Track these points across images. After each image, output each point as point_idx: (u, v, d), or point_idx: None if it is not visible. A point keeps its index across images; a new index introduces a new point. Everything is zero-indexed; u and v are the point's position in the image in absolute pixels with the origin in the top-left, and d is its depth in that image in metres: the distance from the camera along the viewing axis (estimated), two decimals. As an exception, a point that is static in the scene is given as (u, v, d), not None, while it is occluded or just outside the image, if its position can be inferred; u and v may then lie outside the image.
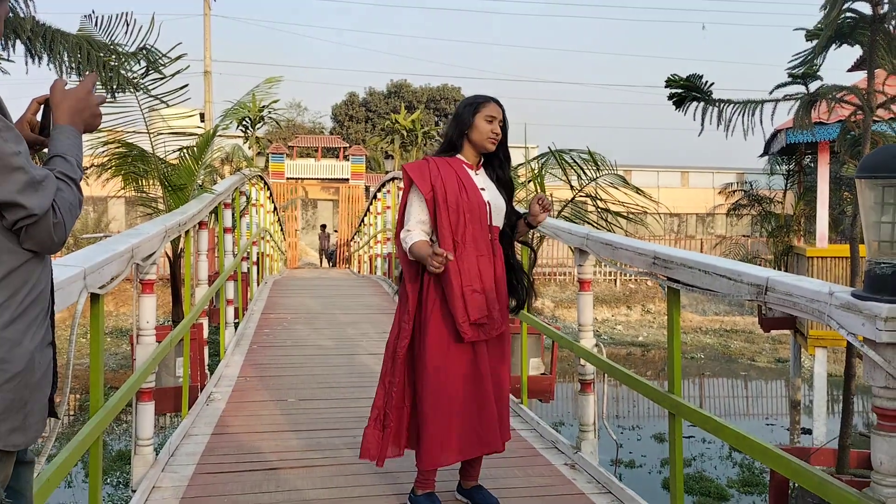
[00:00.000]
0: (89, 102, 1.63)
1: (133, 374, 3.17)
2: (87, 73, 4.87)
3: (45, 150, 1.64)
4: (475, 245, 2.87)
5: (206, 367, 5.41)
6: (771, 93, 4.20)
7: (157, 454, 3.57)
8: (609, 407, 12.75)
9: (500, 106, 2.99)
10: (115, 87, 4.97)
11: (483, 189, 2.97)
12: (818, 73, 3.99)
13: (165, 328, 4.73)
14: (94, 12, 5.06)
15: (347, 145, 33.06)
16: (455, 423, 2.87)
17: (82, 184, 1.62)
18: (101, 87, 4.90)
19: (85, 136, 1.68)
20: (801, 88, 4.15)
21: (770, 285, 2.21)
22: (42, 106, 1.67)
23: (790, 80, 4.08)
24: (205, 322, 5.45)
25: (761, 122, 4.23)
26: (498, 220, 2.98)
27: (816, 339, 9.49)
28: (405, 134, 32.18)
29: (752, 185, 12.70)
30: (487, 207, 2.94)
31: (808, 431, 10.60)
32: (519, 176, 7.95)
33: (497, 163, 3.03)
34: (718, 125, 4.25)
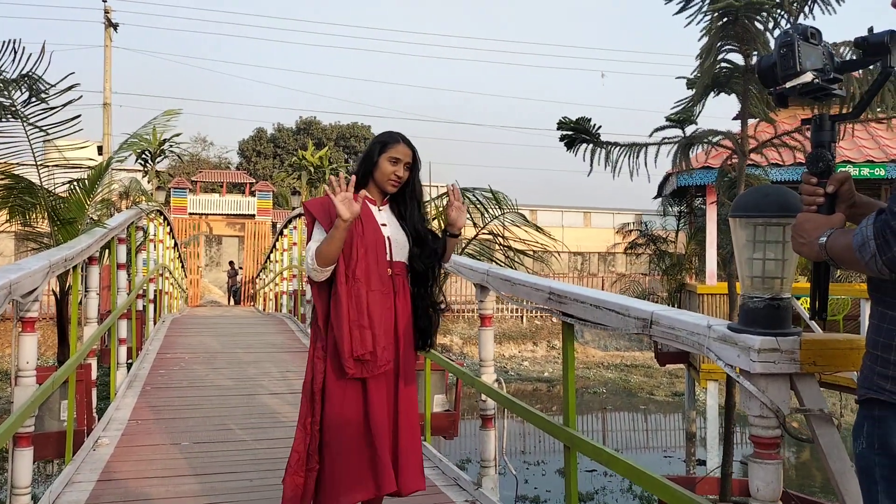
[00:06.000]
0: None
1: (9, 418, 2.98)
2: None
3: None
4: (367, 280, 2.83)
5: (95, 411, 5.14)
6: (650, 135, 4.45)
7: (35, 504, 3.35)
8: (515, 443, 12.85)
9: (410, 147, 2.94)
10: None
11: (384, 225, 2.93)
12: (694, 119, 4.26)
13: (49, 369, 4.47)
14: None
15: (254, 181, 32.51)
16: (350, 464, 2.80)
17: None
18: None
19: None
20: (679, 132, 4.41)
21: (654, 319, 2.30)
22: None
23: (668, 124, 4.33)
24: (93, 362, 5.18)
25: (645, 163, 4.46)
26: (399, 256, 2.92)
27: (708, 373, 9.90)
28: (312, 170, 31.96)
29: (646, 226, 13.28)
30: (387, 242, 2.90)
31: (704, 462, 10.98)
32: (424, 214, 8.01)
33: (405, 207, 2.96)
34: (606, 166, 4.46)
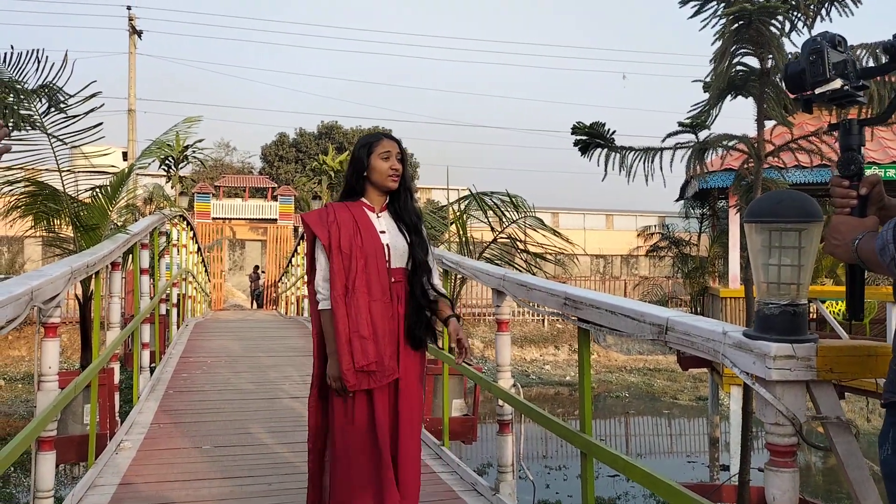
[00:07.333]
0: None
1: (31, 422, 3.02)
2: None
3: None
4: (368, 290, 2.78)
5: (117, 414, 5.20)
6: (663, 141, 4.42)
7: (57, 507, 3.40)
8: (536, 447, 12.80)
9: (395, 140, 2.93)
10: (10, 125, 4.79)
11: (383, 232, 2.89)
12: (707, 123, 4.22)
13: (73, 373, 4.53)
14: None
15: (276, 185, 32.75)
16: (354, 476, 2.77)
17: None
18: None
19: None
20: (692, 137, 4.38)
21: (670, 325, 2.29)
22: None
23: (680, 129, 4.30)
24: (116, 367, 5.25)
25: (661, 168, 4.43)
26: (399, 262, 2.88)
27: (731, 378, 9.76)
28: (333, 175, 32.11)
29: (668, 228, 13.16)
30: (386, 250, 2.85)
31: (727, 468, 10.85)
32: (443, 218, 8.04)
33: (398, 198, 2.94)
34: (620, 171, 4.44)
